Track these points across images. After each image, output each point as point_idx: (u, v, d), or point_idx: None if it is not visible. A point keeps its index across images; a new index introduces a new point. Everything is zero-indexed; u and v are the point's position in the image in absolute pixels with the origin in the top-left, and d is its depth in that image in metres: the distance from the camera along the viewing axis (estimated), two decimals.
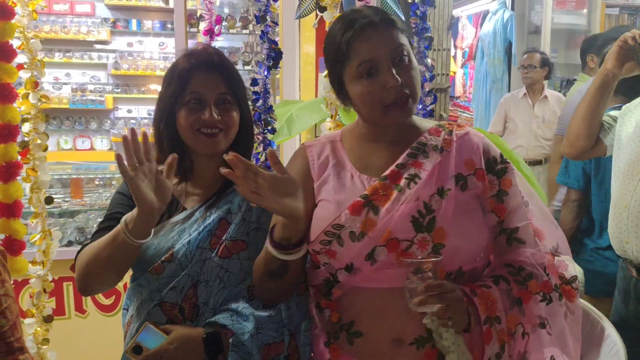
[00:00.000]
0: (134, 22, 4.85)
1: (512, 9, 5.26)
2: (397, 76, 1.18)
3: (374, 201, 1.22)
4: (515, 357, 1.24)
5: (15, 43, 1.98)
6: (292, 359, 1.33)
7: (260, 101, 1.79)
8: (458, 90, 7.05)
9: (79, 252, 1.38)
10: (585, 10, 5.04)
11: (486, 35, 5.36)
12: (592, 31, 4.70)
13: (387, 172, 1.25)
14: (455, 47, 7.17)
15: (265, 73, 1.80)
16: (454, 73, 7.17)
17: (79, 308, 2.81)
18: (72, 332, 2.75)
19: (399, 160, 1.26)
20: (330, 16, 1.74)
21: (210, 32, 1.81)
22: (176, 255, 1.32)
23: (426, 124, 1.36)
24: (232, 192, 1.39)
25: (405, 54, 1.20)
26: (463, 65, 6.87)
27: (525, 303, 1.25)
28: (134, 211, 1.22)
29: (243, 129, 1.41)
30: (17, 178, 1.88)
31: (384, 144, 1.29)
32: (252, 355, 1.27)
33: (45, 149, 1.95)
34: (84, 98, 4.76)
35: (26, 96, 1.98)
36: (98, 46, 4.92)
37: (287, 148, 2.85)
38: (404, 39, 1.21)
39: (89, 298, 2.81)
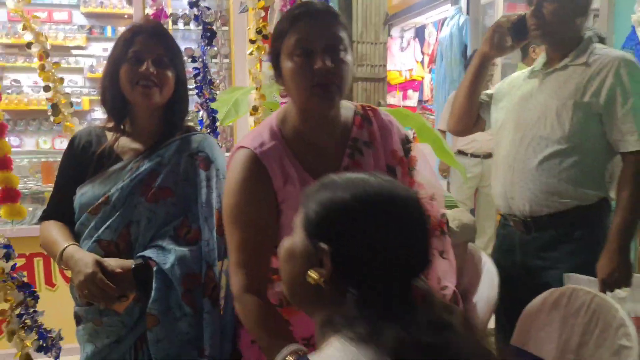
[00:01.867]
0: (109, 28, 5.13)
1: (468, 14, 5.57)
2: (327, 62, 1.24)
3: None
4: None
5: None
6: (208, 287, 1.52)
7: (201, 74, 2.07)
8: (426, 94, 7.36)
9: (40, 219, 1.68)
10: None
11: (444, 39, 5.65)
12: None
13: None
14: (423, 53, 7.50)
15: (202, 50, 2.09)
16: (422, 78, 7.50)
17: (49, 282, 3.06)
18: (42, 304, 2.99)
19: (344, 163, 1.37)
20: (252, 3, 2.03)
21: (157, 17, 2.08)
22: (111, 198, 1.53)
23: (347, 112, 1.45)
24: (164, 146, 1.60)
25: (342, 48, 1.28)
26: (430, 71, 7.17)
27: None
28: (75, 260, 1.49)
29: (178, 90, 1.61)
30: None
31: (324, 141, 1.38)
32: (173, 283, 1.48)
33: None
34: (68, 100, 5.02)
35: (42, 67, 2.30)
36: (75, 51, 5.19)
37: (240, 127, 3.14)
38: (343, 34, 1.29)
39: (57, 272, 3.05)
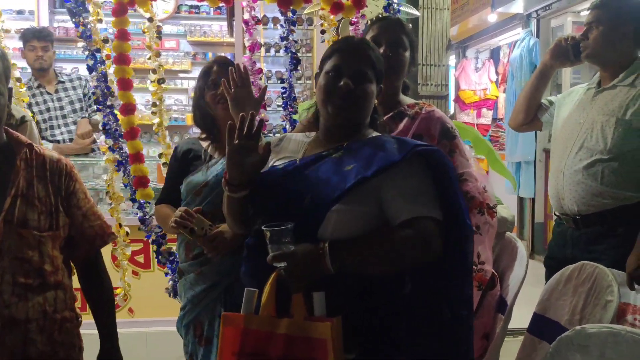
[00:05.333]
0: (210, 54, 5.88)
1: (537, 36, 5.87)
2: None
3: None
4: None
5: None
6: None
7: (287, 92, 2.63)
8: (500, 112, 7.62)
9: (156, 203, 2.28)
10: None
11: (514, 60, 5.96)
12: None
13: None
14: (497, 73, 7.77)
15: (289, 73, 2.65)
16: (496, 97, 7.77)
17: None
18: (156, 281, 3.60)
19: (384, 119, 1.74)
20: (329, 36, 2.56)
21: (252, 48, 2.67)
22: (209, 183, 2.10)
23: (407, 100, 1.99)
24: None
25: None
26: (504, 90, 7.44)
27: (470, 212, 1.85)
28: None
29: None
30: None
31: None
32: None
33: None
34: (170, 116, 5.78)
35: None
36: (181, 74, 5.97)
37: None
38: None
39: None
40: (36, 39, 3.82)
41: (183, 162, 2.22)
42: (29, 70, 4.00)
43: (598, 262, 2.02)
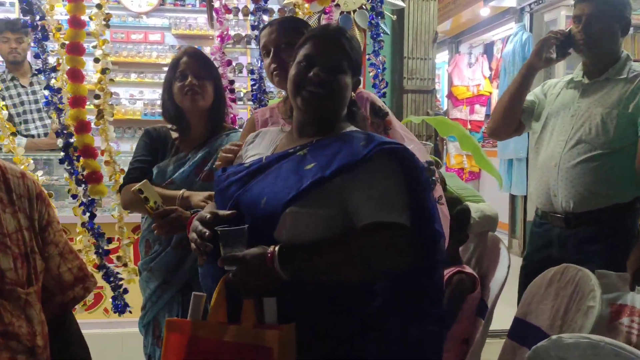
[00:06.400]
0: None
1: (531, 31, 5.76)
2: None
3: None
4: None
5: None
6: None
7: (257, 85, 2.51)
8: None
9: (121, 187, 2.16)
10: None
11: (507, 55, 5.85)
12: None
13: None
14: (491, 69, 7.65)
15: (259, 65, 2.52)
16: (490, 93, 7.66)
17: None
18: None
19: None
20: None
21: (222, 38, 2.55)
22: (175, 180, 2.03)
23: None
24: (212, 141, 2.07)
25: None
26: (498, 86, 7.32)
27: None
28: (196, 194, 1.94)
29: (216, 98, 2.08)
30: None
31: None
32: None
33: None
34: (154, 111, 5.65)
35: (99, 80, 2.81)
36: (165, 69, 5.82)
37: None
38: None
39: None
40: (9, 31, 3.69)
41: (158, 141, 2.13)
42: (2, 63, 3.88)
43: (590, 263, 1.93)
